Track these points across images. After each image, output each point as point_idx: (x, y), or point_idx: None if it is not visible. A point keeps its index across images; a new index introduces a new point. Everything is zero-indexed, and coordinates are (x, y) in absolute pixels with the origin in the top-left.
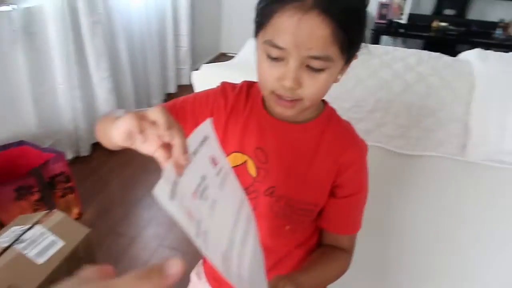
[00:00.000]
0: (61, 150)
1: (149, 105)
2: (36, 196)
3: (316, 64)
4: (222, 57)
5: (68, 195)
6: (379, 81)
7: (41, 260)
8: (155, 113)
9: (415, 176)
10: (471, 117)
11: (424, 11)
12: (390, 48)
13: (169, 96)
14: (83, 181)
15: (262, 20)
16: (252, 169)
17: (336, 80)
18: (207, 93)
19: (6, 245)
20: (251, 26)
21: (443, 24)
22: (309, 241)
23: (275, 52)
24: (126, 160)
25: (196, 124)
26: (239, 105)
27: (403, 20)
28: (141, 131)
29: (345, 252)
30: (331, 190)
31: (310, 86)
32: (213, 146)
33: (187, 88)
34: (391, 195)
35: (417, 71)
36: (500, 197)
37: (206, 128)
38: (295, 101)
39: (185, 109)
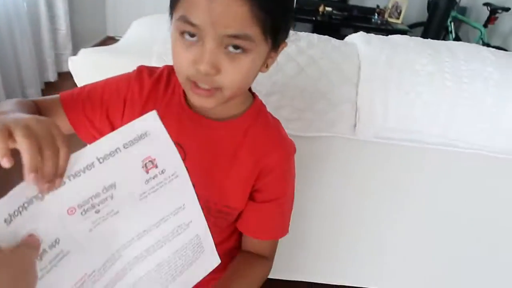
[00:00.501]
0: None
1: (24, 95)
2: None
3: (236, 42)
4: (110, 41)
5: None
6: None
7: None
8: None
9: (313, 157)
10: (359, 98)
11: None
12: None
13: (47, 85)
14: None
15: None
16: None
17: (263, 69)
18: (119, 79)
19: None
20: (141, 6)
21: (329, 9)
22: (226, 242)
23: (189, 29)
24: None
25: (107, 117)
26: (157, 94)
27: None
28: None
29: (265, 260)
30: (251, 193)
31: (230, 72)
32: (155, 145)
33: (69, 76)
34: None
35: (308, 54)
36: (386, 171)
37: (150, 122)
38: (213, 89)
39: (92, 99)
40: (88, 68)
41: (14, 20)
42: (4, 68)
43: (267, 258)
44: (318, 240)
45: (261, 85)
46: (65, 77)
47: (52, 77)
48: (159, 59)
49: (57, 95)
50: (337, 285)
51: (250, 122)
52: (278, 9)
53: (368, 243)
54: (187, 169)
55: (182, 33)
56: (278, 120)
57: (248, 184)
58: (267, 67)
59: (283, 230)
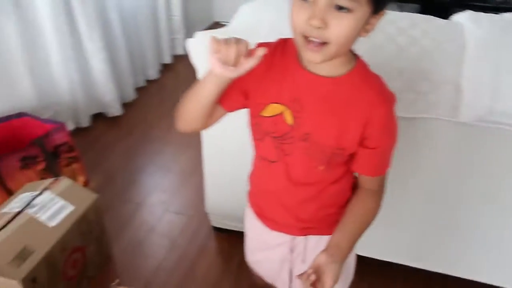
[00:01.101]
0: (61, 121)
1: (145, 75)
2: (41, 166)
3: (341, 3)
4: (216, 26)
5: (72, 164)
6: (372, 46)
7: (53, 223)
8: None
9: (411, 138)
10: (463, 79)
11: None
12: None
13: (164, 67)
14: (86, 151)
15: None
16: (289, 118)
17: (363, 33)
18: None
19: (17, 210)
20: None
21: None
22: (342, 179)
23: None
24: (128, 130)
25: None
26: (275, 60)
27: None
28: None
29: (375, 193)
30: (360, 139)
31: (336, 27)
32: None
33: (182, 58)
34: None
35: (409, 34)
36: (492, 157)
37: None
38: (322, 44)
39: (245, 81)
40: (203, 48)
41: (138, 11)
42: (130, 51)
43: (378, 192)
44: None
45: None
46: (179, 59)
47: (168, 59)
48: (266, 41)
49: None
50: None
51: (356, 78)
52: None
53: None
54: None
55: None
56: (379, 76)
57: (356, 131)
58: (366, 32)
59: (387, 165)
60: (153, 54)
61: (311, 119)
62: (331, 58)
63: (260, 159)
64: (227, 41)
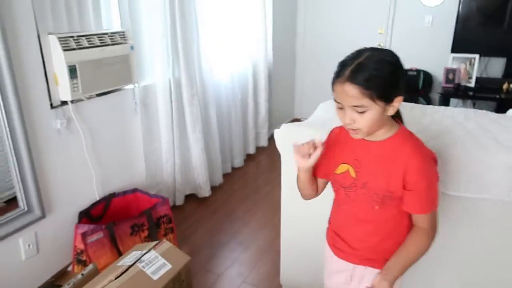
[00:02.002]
0: (164, 196)
1: (232, 164)
2: (145, 233)
3: (357, 109)
4: (295, 121)
5: (169, 234)
6: (429, 134)
7: (155, 277)
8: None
9: (470, 217)
10: None
11: (493, 75)
12: (440, 108)
13: (248, 156)
14: (179, 225)
15: (332, 88)
16: (352, 173)
17: (386, 114)
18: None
19: (130, 263)
20: (319, 95)
21: None
22: (395, 217)
23: (338, 105)
24: (214, 210)
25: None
26: (339, 138)
27: (471, 83)
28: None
29: (425, 230)
30: (403, 184)
31: (360, 121)
32: None
33: (264, 150)
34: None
35: (465, 125)
36: None
37: None
38: (356, 129)
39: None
40: (288, 137)
41: (232, 109)
42: (222, 142)
43: (426, 229)
44: None
45: None
46: (262, 150)
47: (252, 150)
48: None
49: None
50: None
51: (397, 140)
52: (379, 86)
53: None
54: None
55: (337, 106)
56: (418, 138)
57: (399, 178)
58: (392, 111)
59: (431, 206)
60: (240, 145)
61: (367, 172)
62: (368, 135)
63: (336, 204)
64: (301, 144)
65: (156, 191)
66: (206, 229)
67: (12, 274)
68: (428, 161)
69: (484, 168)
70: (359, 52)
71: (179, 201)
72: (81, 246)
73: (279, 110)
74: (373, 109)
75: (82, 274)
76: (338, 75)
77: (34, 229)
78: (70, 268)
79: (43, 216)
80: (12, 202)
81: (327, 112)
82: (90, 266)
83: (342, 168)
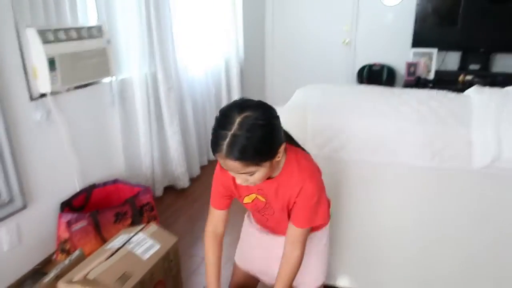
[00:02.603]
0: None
1: (208, 156)
2: (129, 221)
3: (246, 174)
4: None
5: (151, 222)
6: (398, 114)
7: (145, 257)
8: None
9: (437, 188)
10: (473, 135)
11: (450, 68)
12: (406, 89)
13: None
14: (159, 216)
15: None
16: (261, 198)
17: (275, 162)
18: (218, 179)
19: (119, 246)
20: (289, 91)
21: (469, 77)
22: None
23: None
24: (193, 200)
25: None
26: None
27: (431, 76)
28: None
29: (289, 244)
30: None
31: (252, 179)
32: None
33: None
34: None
35: (429, 104)
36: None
37: None
38: (252, 182)
39: (224, 192)
40: None
41: (207, 104)
42: (198, 136)
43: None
44: None
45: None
46: None
47: None
48: (313, 114)
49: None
50: None
51: (287, 173)
52: (257, 154)
53: None
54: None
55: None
56: (303, 160)
57: (289, 202)
58: (278, 160)
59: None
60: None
61: (272, 200)
62: (263, 180)
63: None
64: None
65: (135, 182)
66: (187, 217)
67: None
68: (308, 184)
69: (444, 142)
70: (231, 118)
71: (159, 192)
72: (65, 235)
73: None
74: (261, 169)
75: (70, 260)
76: (215, 150)
77: (15, 220)
78: (54, 257)
79: (24, 206)
80: None
81: (305, 97)
82: (77, 252)
83: (249, 198)
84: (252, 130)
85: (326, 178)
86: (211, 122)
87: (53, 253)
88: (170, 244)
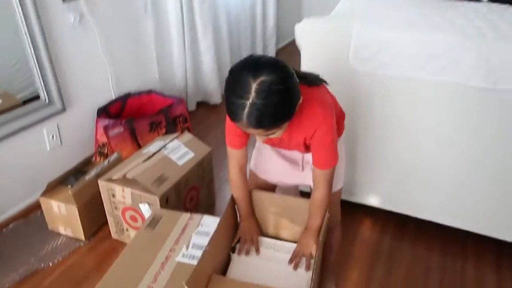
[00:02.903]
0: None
1: None
2: (163, 131)
3: (268, 134)
4: None
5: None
6: (453, 27)
7: (180, 163)
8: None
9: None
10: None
11: None
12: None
13: None
14: (192, 129)
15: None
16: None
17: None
18: (230, 121)
19: (155, 150)
20: (327, 7)
21: None
22: None
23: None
24: (225, 116)
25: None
26: None
27: None
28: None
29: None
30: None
31: (273, 136)
32: None
33: None
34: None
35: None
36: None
37: None
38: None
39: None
40: (307, 32)
41: (241, 19)
42: (231, 51)
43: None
44: None
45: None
46: None
47: None
48: (360, 23)
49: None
50: None
51: (297, 118)
52: (278, 119)
53: None
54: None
55: None
56: (316, 103)
57: (305, 140)
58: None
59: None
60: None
61: (289, 135)
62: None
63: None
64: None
65: (169, 95)
66: (219, 132)
67: (38, 163)
68: (324, 126)
69: None
70: (246, 84)
71: (191, 106)
72: (103, 139)
73: (286, 24)
74: (282, 128)
75: (108, 161)
76: (234, 119)
77: (56, 121)
78: (93, 159)
79: (63, 109)
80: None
81: (352, 7)
82: (115, 155)
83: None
84: (270, 97)
85: (367, 97)
86: (245, 38)
87: (92, 155)
88: (204, 153)
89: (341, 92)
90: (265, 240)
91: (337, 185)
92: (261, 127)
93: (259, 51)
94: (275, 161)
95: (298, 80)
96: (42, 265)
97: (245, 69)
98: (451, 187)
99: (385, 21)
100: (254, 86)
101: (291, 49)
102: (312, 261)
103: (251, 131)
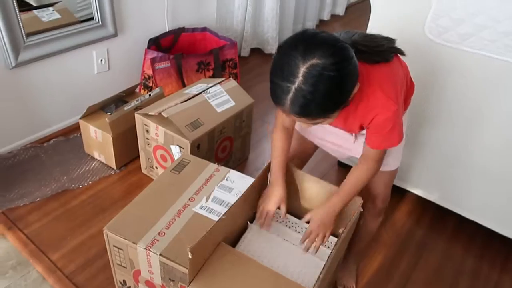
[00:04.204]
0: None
1: (304, 25)
2: (210, 73)
3: (314, 123)
4: None
5: (233, 79)
6: None
7: (219, 110)
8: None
9: None
10: None
11: None
12: None
13: (321, 22)
14: (242, 75)
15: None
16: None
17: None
18: None
19: (196, 92)
20: None
21: None
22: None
23: None
24: None
25: None
26: None
27: None
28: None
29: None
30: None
31: (320, 124)
32: None
33: (339, 19)
34: None
35: None
36: None
37: None
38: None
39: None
40: None
41: None
42: (298, 2)
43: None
44: None
45: None
46: (335, 18)
47: (326, 16)
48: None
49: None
50: None
51: (353, 104)
52: (327, 110)
53: None
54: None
55: None
56: (379, 87)
57: (361, 126)
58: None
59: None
60: (315, 8)
61: (338, 123)
62: None
63: None
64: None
65: (223, 36)
66: (268, 84)
67: (84, 85)
68: (385, 116)
69: None
70: (294, 66)
71: (245, 52)
72: (149, 71)
73: None
74: (332, 116)
75: (150, 95)
76: (276, 102)
77: (106, 45)
78: (137, 90)
79: (115, 34)
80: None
81: None
82: (157, 89)
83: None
84: (320, 84)
85: (440, 72)
86: None
87: (136, 85)
88: (246, 104)
89: (411, 62)
90: (290, 218)
91: (394, 164)
92: (305, 116)
93: (327, 4)
94: (325, 129)
95: (357, 64)
96: (73, 185)
97: (294, 48)
98: (509, 192)
99: None
100: (302, 70)
101: (362, 6)
102: (325, 248)
103: (294, 118)
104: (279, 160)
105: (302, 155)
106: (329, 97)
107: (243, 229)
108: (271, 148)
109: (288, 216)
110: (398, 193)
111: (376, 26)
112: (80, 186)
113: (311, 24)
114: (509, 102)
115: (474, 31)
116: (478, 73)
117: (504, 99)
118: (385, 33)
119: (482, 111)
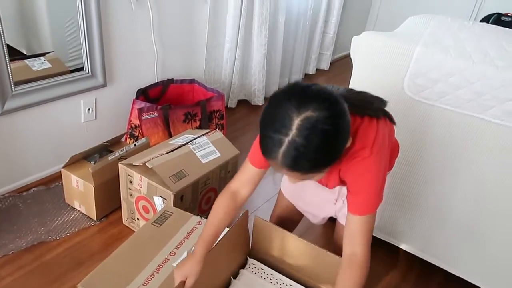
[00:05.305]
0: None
1: (290, 79)
2: (197, 124)
3: (304, 179)
4: None
5: (219, 130)
6: None
7: (204, 161)
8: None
9: None
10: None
11: None
12: None
13: (306, 76)
14: (228, 126)
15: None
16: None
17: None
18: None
19: (182, 143)
20: (393, 25)
21: None
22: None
23: None
24: None
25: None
26: None
27: None
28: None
29: (347, 241)
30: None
31: (309, 180)
32: None
33: (324, 73)
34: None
35: None
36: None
37: None
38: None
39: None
40: (363, 47)
41: (301, 22)
42: (284, 54)
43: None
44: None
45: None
46: (321, 73)
47: (311, 70)
48: (423, 47)
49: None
50: None
51: (343, 160)
52: (320, 164)
53: None
54: None
55: None
56: (367, 143)
57: (343, 182)
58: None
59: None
60: (301, 63)
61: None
62: None
63: None
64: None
65: (211, 87)
66: (254, 134)
67: (70, 134)
68: (377, 169)
69: None
70: (287, 118)
71: (232, 103)
72: (136, 121)
73: (347, 35)
74: (323, 171)
75: (135, 145)
76: (267, 156)
77: (95, 95)
78: (123, 139)
79: (104, 84)
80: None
81: (417, 28)
82: (143, 140)
83: None
84: (314, 137)
85: (416, 131)
86: (300, 44)
87: (122, 135)
88: (231, 155)
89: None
90: (274, 274)
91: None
92: (297, 170)
93: (312, 59)
94: (309, 188)
95: (350, 119)
96: (49, 237)
97: (287, 100)
98: (501, 252)
99: (453, 49)
100: (296, 122)
101: (346, 62)
102: None
103: (285, 172)
104: (211, 231)
105: (289, 223)
106: (323, 151)
107: (227, 285)
108: (211, 210)
109: (273, 272)
110: (382, 246)
111: (357, 81)
112: (57, 238)
113: (297, 77)
114: (491, 159)
115: (450, 90)
116: (455, 129)
117: (486, 156)
118: (366, 89)
119: (463, 167)
